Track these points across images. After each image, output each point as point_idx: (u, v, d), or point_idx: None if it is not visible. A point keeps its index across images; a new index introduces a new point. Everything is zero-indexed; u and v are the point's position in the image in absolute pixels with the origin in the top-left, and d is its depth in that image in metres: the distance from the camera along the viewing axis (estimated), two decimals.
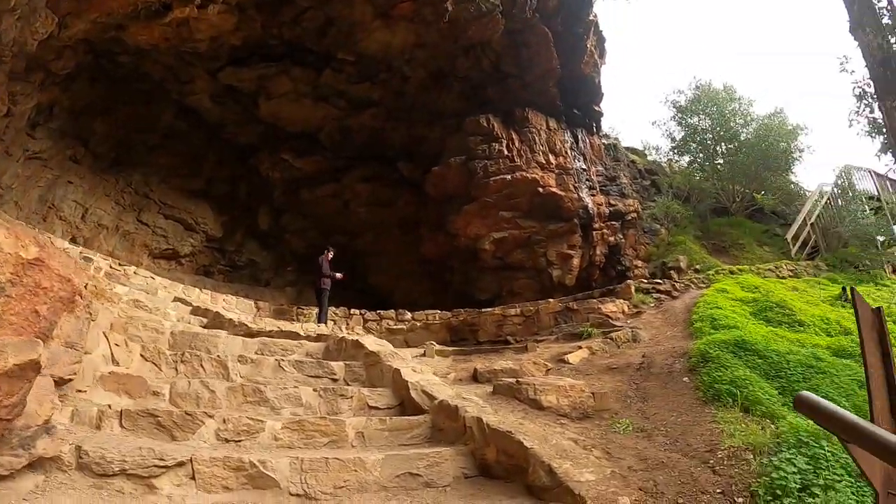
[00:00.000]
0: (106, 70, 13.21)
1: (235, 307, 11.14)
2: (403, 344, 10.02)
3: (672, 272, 15.00)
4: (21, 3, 8.57)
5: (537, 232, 14.41)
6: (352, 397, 4.66)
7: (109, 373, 3.98)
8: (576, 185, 14.93)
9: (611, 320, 9.61)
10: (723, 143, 19.51)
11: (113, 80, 13.48)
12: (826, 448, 3.89)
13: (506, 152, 14.28)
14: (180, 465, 3.03)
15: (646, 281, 12.47)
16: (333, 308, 12.26)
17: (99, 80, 13.33)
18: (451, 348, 8.43)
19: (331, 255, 12.31)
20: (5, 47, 9.24)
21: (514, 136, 14.65)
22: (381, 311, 12.15)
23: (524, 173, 14.17)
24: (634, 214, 16.13)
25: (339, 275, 11.47)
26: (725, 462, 3.89)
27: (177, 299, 9.09)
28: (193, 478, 3.04)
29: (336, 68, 14.14)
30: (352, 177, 15.41)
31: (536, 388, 5.14)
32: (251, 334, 6.53)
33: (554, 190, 14.43)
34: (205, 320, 7.72)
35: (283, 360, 5.16)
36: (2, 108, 11.20)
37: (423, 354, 7.63)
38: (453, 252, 14.78)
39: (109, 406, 3.62)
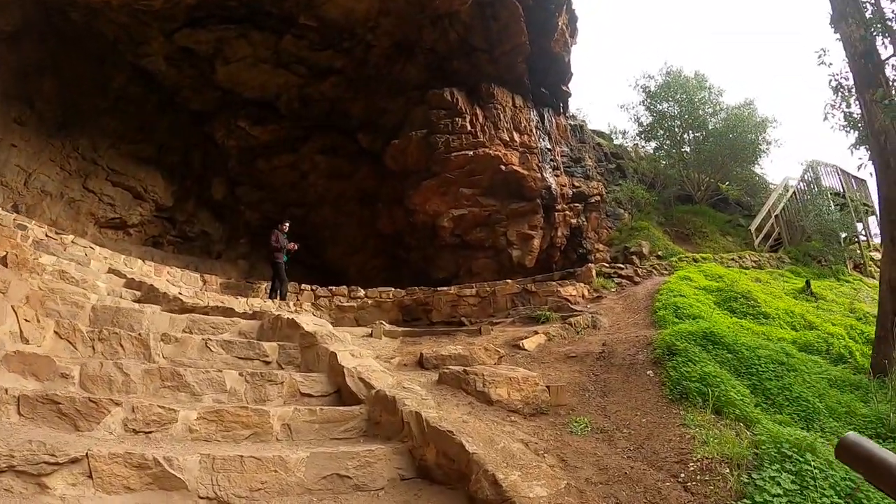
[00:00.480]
0: (57, 27, 12.33)
1: (181, 280, 10.58)
2: (353, 322, 9.65)
3: (634, 257, 14.89)
4: None
5: (498, 211, 14.11)
6: (282, 383, 4.20)
7: (15, 352, 3.50)
8: (540, 164, 14.63)
9: (570, 304, 9.35)
10: (690, 132, 19.44)
11: (63, 39, 12.61)
12: (813, 463, 3.42)
13: (469, 128, 13.88)
14: (75, 461, 2.64)
15: (607, 265, 12.28)
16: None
17: (48, 38, 12.45)
18: (401, 329, 7.95)
19: (286, 228, 11.80)
20: None
21: (479, 111, 14.22)
22: (333, 288, 11.67)
23: (487, 150, 13.81)
24: (598, 197, 15.93)
25: (291, 245, 11.14)
26: (698, 477, 3.35)
27: (111, 270, 8.44)
28: (90, 476, 2.67)
29: (297, 34, 13.51)
30: (310, 147, 14.77)
31: (486, 380, 4.63)
32: (185, 309, 6.04)
33: (517, 168, 14.11)
34: (138, 293, 7.15)
35: (211, 339, 4.65)
36: None
37: (371, 335, 7.09)
38: (411, 228, 14.30)
39: (6, 390, 3.12)
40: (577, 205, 15.12)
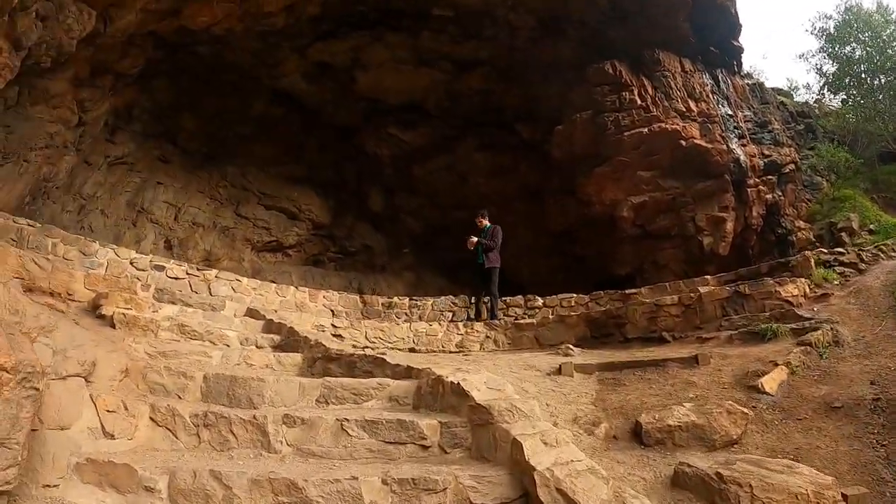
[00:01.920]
0: (186, 64, 12.14)
1: (338, 303, 9.71)
2: (534, 343, 8.31)
3: (843, 234, 12.48)
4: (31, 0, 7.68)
5: (682, 193, 12.32)
6: (445, 490, 2.82)
7: (87, 459, 2.63)
8: (723, 133, 12.66)
9: (793, 308, 7.43)
10: (882, 76, 16.45)
11: (195, 74, 12.44)
12: None
13: (639, 101, 12.25)
14: None
15: (825, 251, 10.07)
16: (451, 299, 10.56)
17: (180, 76, 12.35)
18: (593, 358, 6.47)
19: (485, 222, 9.90)
20: (37, 51, 8.20)
21: (646, 82, 12.50)
22: (508, 299, 10.31)
23: (662, 124, 12.10)
24: (792, 166, 13.58)
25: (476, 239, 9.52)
26: None
27: (250, 312, 7.34)
28: None
29: (434, 28, 12.58)
30: (466, 146, 13.70)
31: (755, 496, 2.91)
32: (329, 358, 4.98)
33: (698, 141, 12.25)
34: (277, 338, 6.12)
35: (349, 419, 3.41)
36: (72, 117, 10.49)
37: (559, 371, 5.74)
38: (585, 222, 12.69)
39: None
40: (770, 177, 12.93)
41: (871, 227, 12.56)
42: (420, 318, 9.86)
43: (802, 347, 5.70)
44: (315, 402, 3.85)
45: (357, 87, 13.43)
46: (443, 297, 10.29)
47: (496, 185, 13.80)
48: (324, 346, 5.34)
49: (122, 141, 12.32)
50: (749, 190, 12.49)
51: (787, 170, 13.27)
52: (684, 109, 12.36)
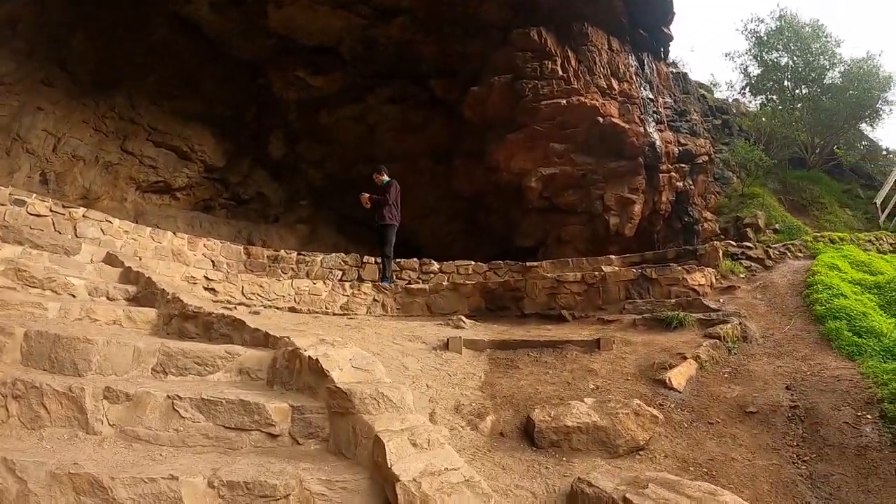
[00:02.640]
0: None
1: (220, 254, 8.71)
2: (424, 310, 7.64)
3: (748, 230, 12.51)
4: None
5: (594, 170, 11.97)
6: (286, 496, 2.12)
7: None
8: (642, 116, 12.37)
9: (700, 297, 7.12)
10: (804, 86, 16.78)
11: None
12: None
13: (560, 72, 11.74)
14: None
15: (734, 244, 9.89)
16: (342, 256, 9.53)
17: None
18: (486, 333, 5.70)
19: (383, 178, 9.08)
20: None
21: (571, 54, 12.01)
22: (402, 261, 9.53)
23: (582, 98, 11.68)
24: (706, 157, 13.50)
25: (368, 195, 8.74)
26: None
27: (109, 258, 6.32)
28: None
29: None
30: (377, 97, 12.76)
31: None
32: (186, 316, 4.16)
33: (616, 121, 11.91)
34: (132, 290, 5.17)
35: (181, 395, 2.63)
36: None
37: (447, 346, 5.08)
38: (492, 189, 12.09)
39: None
40: (683, 165, 12.75)
41: (777, 226, 12.66)
42: (307, 275, 9.00)
43: (711, 341, 5.29)
44: (151, 371, 3.06)
45: (268, 23, 12.26)
46: (333, 255, 9.43)
47: (405, 142, 12.98)
48: (181, 301, 4.42)
49: (1, 58, 10.72)
50: (661, 175, 12.25)
51: (701, 160, 13.17)
52: (606, 87, 11.96)
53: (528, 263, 9.47)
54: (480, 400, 3.97)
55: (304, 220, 13.73)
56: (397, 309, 7.59)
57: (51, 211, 7.22)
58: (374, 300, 7.65)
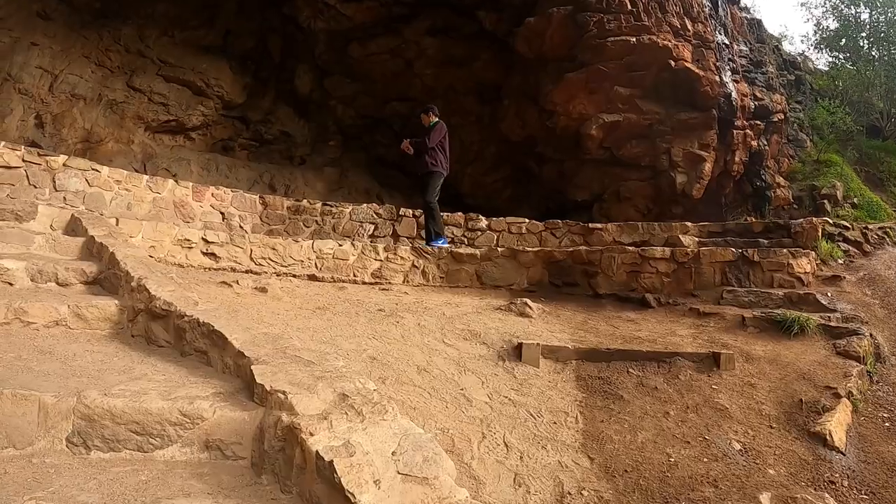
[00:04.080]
0: None
1: (231, 205, 7.36)
2: (474, 280, 6.07)
3: (825, 202, 10.98)
4: None
5: (661, 121, 10.48)
6: None
7: None
8: (717, 63, 10.79)
9: (807, 289, 5.77)
10: (880, 47, 15.12)
11: None
12: None
13: (629, 6, 10.15)
14: None
15: (830, 222, 8.55)
16: (374, 208, 8.15)
17: None
18: (562, 326, 4.64)
19: (432, 119, 7.40)
20: None
21: None
22: (445, 215, 7.91)
23: (653, 37, 10.12)
24: (781, 115, 11.89)
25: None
26: None
27: (69, 226, 4.64)
28: None
29: None
30: (416, 28, 11.12)
31: None
32: (154, 314, 2.71)
33: (689, 66, 10.35)
34: (93, 270, 3.50)
35: None
36: None
37: (518, 354, 3.70)
38: (546, 134, 10.50)
39: None
40: (758, 123, 11.22)
41: (855, 200, 11.21)
42: (334, 229, 7.71)
43: (854, 365, 3.96)
44: (66, 442, 1.63)
45: None
46: (364, 206, 8.05)
47: (446, 78, 11.43)
48: (147, 291, 2.79)
49: None
50: (735, 132, 10.70)
51: (776, 118, 11.58)
52: (679, 26, 10.36)
53: (590, 225, 8.10)
54: (591, 480, 2.57)
55: (332, 163, 12.22)
56: (440, 278, 6.18)
57: (23, 161, 5.85)
58: (414, 266, 6.13)
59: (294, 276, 5.45)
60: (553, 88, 9.98)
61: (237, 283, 4.49)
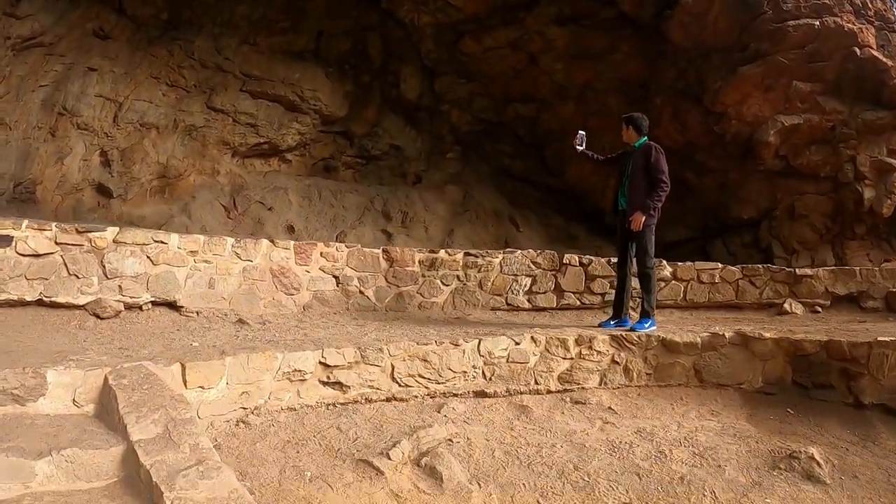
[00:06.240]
0: None
1: (347, 263, 5.65)
2: (691, 377, 4.45)
3: None
4: None
5: (845, 122, 8.56)
6: None
7: None
8: None
9: None
10: None
11: None
12: None
13: None
14: None
15: None
16: (531, 256, 6.31)
17: None
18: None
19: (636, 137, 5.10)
20: None
21: None
22: (592, 259, 6.30)
23: (837, 19, 8.40)
24: None
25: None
26: None
27: (106, 391, 2.71)
28: None
29: None
30: (540, 16, 9.31)
31: None
32: None
33: (876, 54, 8.38)
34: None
35: None
36: None
37: None
38: (711, 140, 8.77)
39: None
40: None
41: None
42: (481, 286, 6.03)
43: None
44: None
45: None
46: (518, 254, 6.22)
47: (579, 74, 9.62)
48: None
49: (31, 12, 7.81)
50: None
51: None
52: (860, 4, 8.60)
53: (797, 272, 6.44)
54: None
55: (453, 179, 10.55)
56: (647, 375, 4.45)
57: (57, 244, 4.30)
58: (614, 362, 4.44)
59: (455, 394, 3.95)
60: (723, 85, 8.20)
61: (388, 457, 2.92)
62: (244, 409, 3.20)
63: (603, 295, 6.15)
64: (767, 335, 4.54)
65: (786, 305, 6.18)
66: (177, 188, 9.29)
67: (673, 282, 6.32)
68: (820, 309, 6.26)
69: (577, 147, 5.26)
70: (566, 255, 6.21)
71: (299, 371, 3.46)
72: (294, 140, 10.00)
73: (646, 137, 5.10)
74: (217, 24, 9.39)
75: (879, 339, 4.24)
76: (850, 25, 8.21)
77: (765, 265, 6.67)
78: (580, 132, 5.36)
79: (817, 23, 8.03)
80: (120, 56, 8.71)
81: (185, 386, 2.97)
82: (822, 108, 8.32)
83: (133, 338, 3.93)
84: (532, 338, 4.39)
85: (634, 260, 5.04)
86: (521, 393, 4.11)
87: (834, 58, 8.20)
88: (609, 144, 8.16)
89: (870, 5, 8.72)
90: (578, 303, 6.17)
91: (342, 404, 3.57)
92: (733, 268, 6.44)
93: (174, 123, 9.25)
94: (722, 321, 5.71)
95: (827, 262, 8.50)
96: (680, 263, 6.40)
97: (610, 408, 4.01)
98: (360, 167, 10.54)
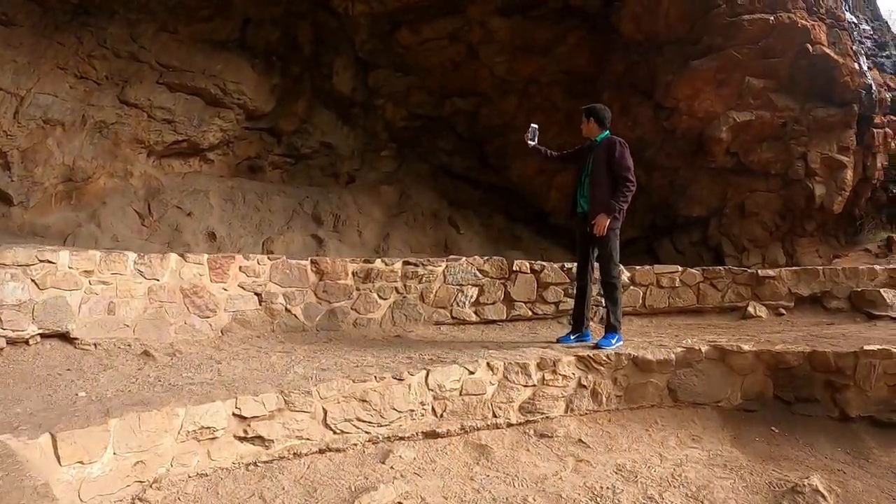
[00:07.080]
0: None
1: (270, 277, 4.86)
2: (664, 397, 3.96)
3: None
4: None
5: (797, 118, 8.31)
6: None
7: None
8: (854, 47, 8.94)
9: None
10: None
11: None
12: None
13: None
14: None
15: None
16: (477, 264, 5.57)
17: None
18: None
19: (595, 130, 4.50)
20: None
21: None
22: (544, 264, 5.66)
23: (791, 15, 8.13)
24: None
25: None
26: None
27: None
28: None
29: None
30: (482, 6, 8.77)
31: None
32: None
33: (827, 51, 8.20)
34: None
35: None
36: None
37: None
38: (662, 137, 8.42)
39: None
40: (893, 117, 9.38)
41: None
42: (422, 299, 5.23)
43: None
44: None
45: None
46: (463, 261, 5.39)
47: (523, 68, 9.09)
48: None
49: None
50: (875, 131, 8.70)
51: None
52: (812, 1, 8.41)
53: (760, 273, 5.93)
54: None
55: (388, 179, 9.73)
56: (617, 397, 3.81)
57: None
58: (581, 385, 3.78)
59: (401, 437, 3.18)
60: (674, 79, 7.77)
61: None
62: (140, 482, 2.44)
63: (557, 304, 5.50)
64: (746, 348, 3.96)
65: (749, 308, 5.74)
66: (85, 193, 8.20)
67: (631, 287, 5.75)
68: (784, 311, 5.84)
69: (529, 142, 4.67)
70: (516, 262, 5.51)
71: (208, 428, 2.64)
72: (216, 138, 9.00)
73: (608, 131, 4.43)
74: (132, 9, 8.35)
75: (866, 348, 3.72)
76: (803, 22, 7.98)
77: (726, 267, 6.22)
78: (532, 125, 4.71)
79: (772, 18, 7.77)
80: (24, 44, 7.59)
81: (59, 462, 2.22)
82: (774, 104, 8.03)
83: (10, 386, 3.10)
84: (488, 364, 3.64)
85: (596, 267, 4.44)
86: (479, 429, 3.38)
87: (787, 54, 7.92)
88: (553, 141, 7.57)
89: (821, 3, 8.56)
90: (530, 313, 5.47)
91: (265, 462, 2.77)
92: (694, 270, 5.92)
93: (82, 120, 8.16)
94: (686, 328, 5.18)
95: (777, 260, 8.28)
96: (638, 267, 5.83)
97: (580, 440, 3.35)
98: (289, 167, 9.63)
